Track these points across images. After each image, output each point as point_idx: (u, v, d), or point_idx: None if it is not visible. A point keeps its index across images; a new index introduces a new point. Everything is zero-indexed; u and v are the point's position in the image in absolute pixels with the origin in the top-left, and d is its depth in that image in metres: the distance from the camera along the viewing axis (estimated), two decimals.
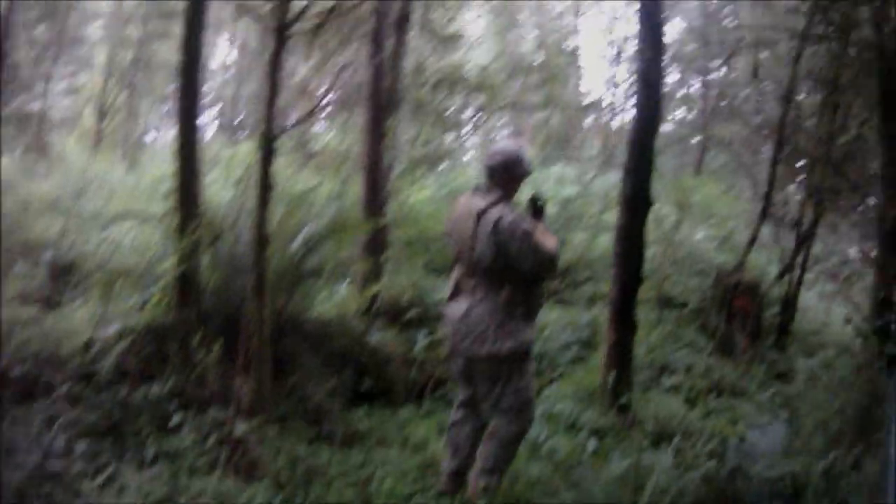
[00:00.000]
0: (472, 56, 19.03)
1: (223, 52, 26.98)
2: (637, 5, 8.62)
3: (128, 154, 20.23)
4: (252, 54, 23.12)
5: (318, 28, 7.46)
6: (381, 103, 11.00)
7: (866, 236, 14.34)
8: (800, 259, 12.29)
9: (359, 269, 10.35)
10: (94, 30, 22.53)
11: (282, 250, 7.45)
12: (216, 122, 25.40)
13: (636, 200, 7.99)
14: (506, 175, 5.27)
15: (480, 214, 5.09)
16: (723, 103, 18.85)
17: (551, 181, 17.23)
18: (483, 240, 5.03)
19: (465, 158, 21.78)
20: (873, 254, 9.03)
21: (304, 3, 6.89)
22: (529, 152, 5.77)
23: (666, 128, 25.16)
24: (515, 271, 5.06)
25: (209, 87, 23.61)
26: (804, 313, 12.70)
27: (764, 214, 13.68)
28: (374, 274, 10.34)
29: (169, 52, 18.74)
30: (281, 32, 6.53)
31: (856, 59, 7.95)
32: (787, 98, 12.62)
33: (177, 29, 8.90)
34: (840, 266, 14.89)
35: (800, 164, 12.78)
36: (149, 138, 26.20)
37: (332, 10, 7.28)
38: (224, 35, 25.18)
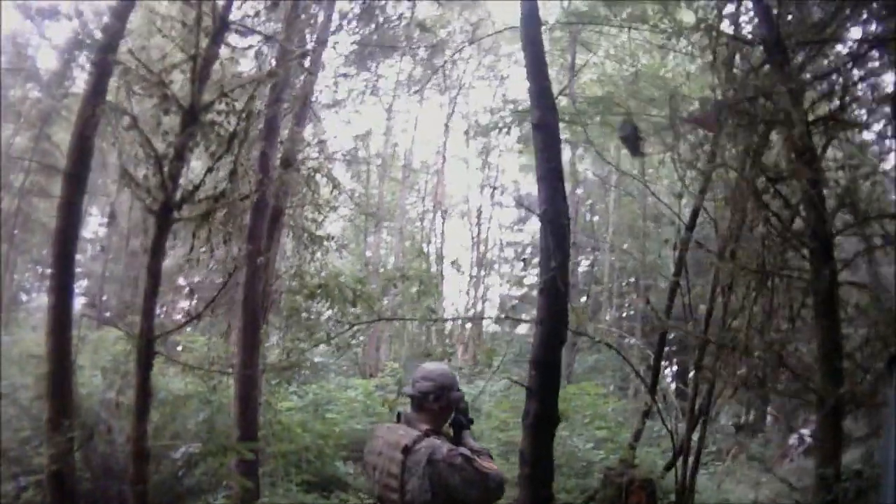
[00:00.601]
0: (332, 259, 18.87)
1: (95, 223, 25.75)
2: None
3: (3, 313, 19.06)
4: (125, 231, 21.97)
5: (205, 216, 6.97)
6: (256, 307, 10.55)
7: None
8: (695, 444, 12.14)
9: (235, 488, 9.67)
10: None
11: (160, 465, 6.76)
12: (82, 299, 24.03)
13: (542, 420, 7.57)
14: (437, 403, 4.58)
15: (408, 450, 4.33)
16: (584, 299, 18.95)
17: None
18: (416, 479, 4.26)
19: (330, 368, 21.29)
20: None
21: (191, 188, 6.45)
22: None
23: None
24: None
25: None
26: (700, 495, 12.25)
27: (647, 410, 13.69)
28: (250, 493, 9.61)
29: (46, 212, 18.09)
30: (165, 215, 6.00)
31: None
32: (673, 289, 12.85)
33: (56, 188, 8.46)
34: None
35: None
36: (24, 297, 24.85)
37: (220, 195, 6.83)
38: (99, 203, 23.85)
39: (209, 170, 7.47)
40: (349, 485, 12.57)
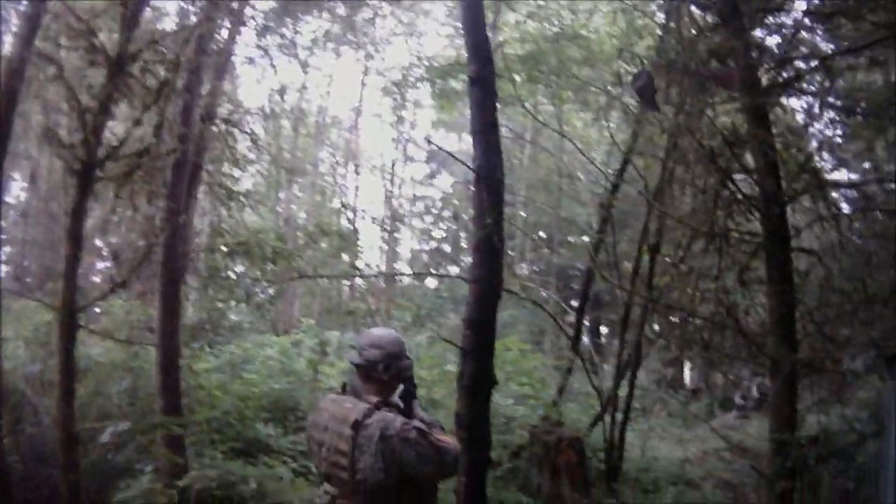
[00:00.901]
0: (248, 216, 18.05)
1: (17, 187, 24.37)
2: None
3: None
4: (47, 194, 20.74)
5: (127, 175, 6.49)
6: (176, 270, 10.04)
7: None
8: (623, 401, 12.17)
9: (163, 461, 9.26)
10: None
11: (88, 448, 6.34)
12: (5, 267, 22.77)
13: (478, 381, 7.32)
14: (386, 373, 4.19)
15: (358, 425, 3.99)
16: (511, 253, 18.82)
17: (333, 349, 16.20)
18: (368, 456, 3.92)
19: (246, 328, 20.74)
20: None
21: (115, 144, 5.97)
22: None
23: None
24: (411, 481, 4.03)
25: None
26: (630, 452, 12.39)
27: (570, 366, 13.66)
28: (178, 467, 9.24)
29: None
30: (87, 174, 5.51)
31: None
32: (596, 246, 12.77)
33: None
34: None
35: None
36: None
37: (143, 152, 6.36)
38: (21, 169, 22.49)
39: (136, 122, 7.01)
40: (272, 448, 12.20)
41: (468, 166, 7.85)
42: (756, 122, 7.05)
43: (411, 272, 28.60)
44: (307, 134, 31.68)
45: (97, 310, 12.57)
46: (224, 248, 11.63)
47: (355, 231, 26.83)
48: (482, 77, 7.86)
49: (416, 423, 4.01)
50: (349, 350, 16.70)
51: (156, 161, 7.34)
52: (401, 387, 4.30)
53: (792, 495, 6.82)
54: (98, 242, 15.25)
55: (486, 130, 7.73)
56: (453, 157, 10.43)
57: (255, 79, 21.90)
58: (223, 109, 12.90)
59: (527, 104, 14.01)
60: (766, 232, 7.34)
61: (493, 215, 7.40)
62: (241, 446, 11.68)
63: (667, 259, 10.69)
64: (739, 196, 7.63)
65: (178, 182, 9.78)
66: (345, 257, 15.25)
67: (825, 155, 7.93)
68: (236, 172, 13.49)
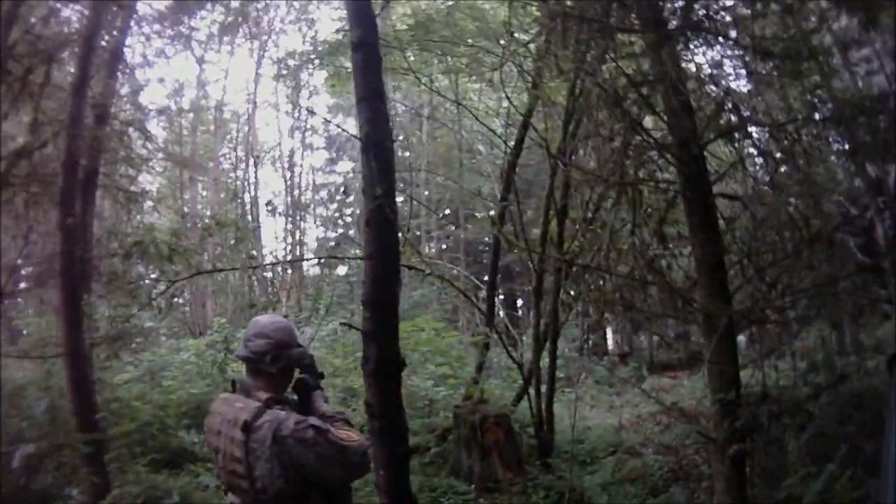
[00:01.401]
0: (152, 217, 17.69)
1: None
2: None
3: None
4: None
5: (4, 175, 5.77)
6: (75, 278, 9.54)
7: None
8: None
9: (84, 481, 9.03)
10: None
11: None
12: None
13: (384, 365, 6.74)
14: (275, 364, 3.66)
15: (248, 427, 3.43)
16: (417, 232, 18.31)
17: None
18: (262, 461, 3.38)
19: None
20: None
21: None
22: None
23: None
24: (317, 485, 3.47)
25: None
26: (560, 424, 11.78)
27: (487, 341, 13.16)
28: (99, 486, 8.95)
29: None
30: None
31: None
32: (501, 215, 12.26)
33: None
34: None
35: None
36: None
37: (21, 150, 5.65)
38: None
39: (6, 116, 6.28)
40: (197, 455, 11.62)
41: (354, 136, 7.22)
42: (662, 61, 6.50)
43: (311, 258, 27.82)
44: (206, 130, 31.23)
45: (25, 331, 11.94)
46: (119, 251, 10.95)
47: (257, 224, 26.14)
48: (365, 42, 7.30)
49: (313, 419, 3.48)
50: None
51: (34, 162, 6.61)
52: (296, 378, 3.90)
53: (745, 458, 6.30)
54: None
55: (371, 97, 7.15)
56: (343, 129, 9.74)
57: (155, 79, 20.98)
58: (121, 108, 12.58)
59: (421, 77, 13.40)
60: (683, 178, 6.77)
61: (383, 185, 6.79)
62: (166, 457, 11.29)
63: (575, 221, 10.18)
64: (651, 142, 7.03)
65: (69, 186, 9.27)
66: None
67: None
68: (134, 172, 12.80)
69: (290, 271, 25.27)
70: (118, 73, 12.33)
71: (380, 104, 7.23)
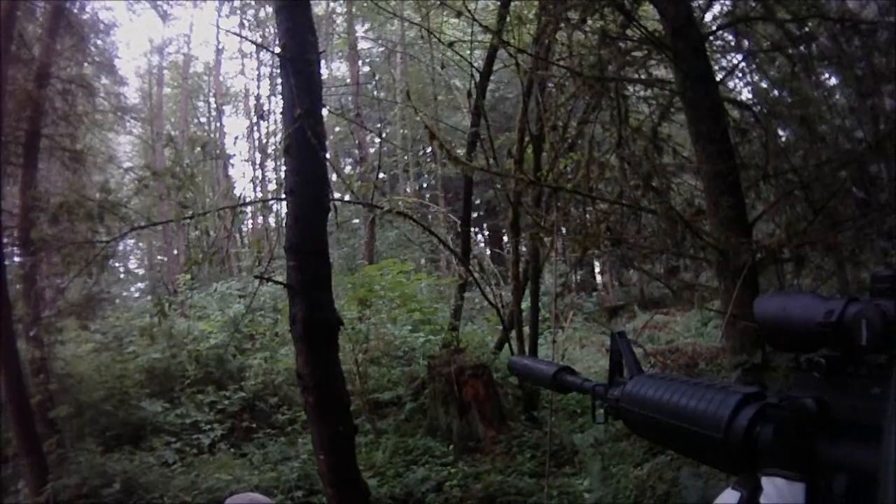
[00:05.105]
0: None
1: None
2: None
3: None
4: None
5: None
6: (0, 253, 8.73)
7: None
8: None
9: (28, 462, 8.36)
10: None
11: None
12: None
13: (314, 326, 5.15)
14: None
15: None
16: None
17: (214, 302, 15.22)
18: None
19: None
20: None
21: None
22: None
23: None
24: None
25: None
26: None
27: (463, 282, 11.60)
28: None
29: None
30: None
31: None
32: (472, 142, 10.63)
33: None
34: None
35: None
36: None
37: None
38: None
39: None
40: (161, 426, 10.71)
41: (269, 49, 5.57)
42: None
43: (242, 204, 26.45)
44: (176, 86, 30.50)
45: None
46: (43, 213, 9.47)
47: (228, 174, 24.57)
48: None
49: None
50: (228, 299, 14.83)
51: None
52: None
53: None
54: None
55: (290, 3, 5.53)
56: (254, 42, 7.98)
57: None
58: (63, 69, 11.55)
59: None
60: (682, 76, 5.00)
61: (305, 104, 5.07)
62: (128, 431, 10.41)
63: (553, 146, 8.44)
64: (639, 34, 5.24)
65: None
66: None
67: None
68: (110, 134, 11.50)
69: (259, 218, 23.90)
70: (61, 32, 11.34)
71: (301, 12, 5.56)
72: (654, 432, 1.15)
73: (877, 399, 0.78)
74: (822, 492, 0.81)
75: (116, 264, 22.72)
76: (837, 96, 6.99)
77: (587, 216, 6.27)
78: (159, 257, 29.74)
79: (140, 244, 29.57)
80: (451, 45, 9.69)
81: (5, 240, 9.37)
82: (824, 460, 0.83)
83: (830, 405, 0.83)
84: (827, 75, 6.63)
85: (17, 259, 10.14)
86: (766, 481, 0.87)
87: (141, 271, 31.13)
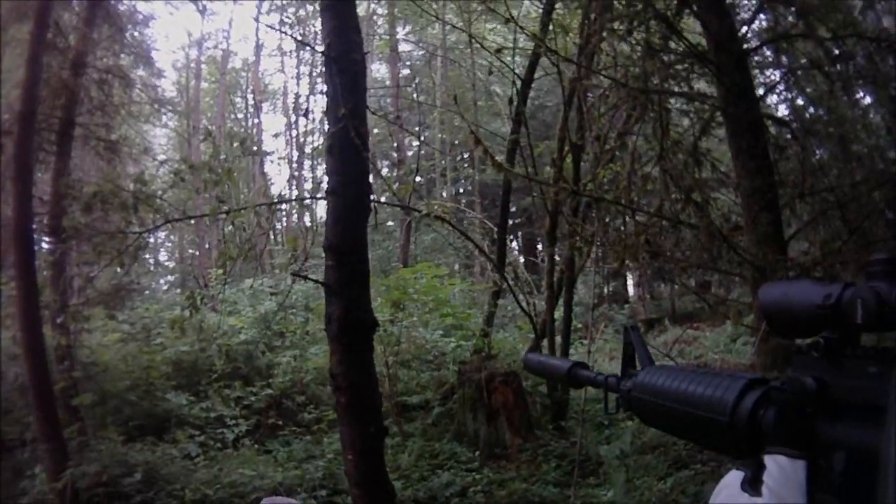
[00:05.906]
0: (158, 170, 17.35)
1: None
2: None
3: None
4: None
5: None
6: (29, 239, 8.85)
7: None
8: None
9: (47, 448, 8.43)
10: None
11: None
12: None
13: (350, 327, 5.28)
14: None
15: None
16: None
17: (245, 298, 15.15)
18: None
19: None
20: None
21: None
22: None
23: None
24: None
25: None
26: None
27: (498, 289, 11.65)
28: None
29: None
30: None
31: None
32: (511, 150, 10.67)
33: None
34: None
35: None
36: None
37: None
38: None
39: None
40: (186, 419, 10.82)
41: (312, 48, 5.67)
42: None
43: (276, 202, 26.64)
44: (214, 80, 30.84)
45: None
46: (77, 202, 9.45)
47: (264, 171, 24.65)
48: None
49: None
50: (260, 296, 14.90)
51: None
52: None
53: None
54: None
55: (336, 2, 5.66)
56: (298, 40, 8.07)
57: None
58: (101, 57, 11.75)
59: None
60: (724, 91, 5.03)
61: (349, 104, 5.16)
62: (152, 423, 10.52)
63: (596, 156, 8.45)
64: (682, 47, 5.29)
65: (24, 143, 8.61)
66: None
67: None
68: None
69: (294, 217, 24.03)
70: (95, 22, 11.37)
71: (347, 10, 5.68)
72: (664, 420, 1.22)
73: (874, 379, 0.85)
74: (821, 469, 0.89)
75: (147, 256, 22.87)
76: (872, 115, 7.02)
77: (626, 228, 6.31)
78: (190, 251, 29.95)
79: (171, 237, 29.78)
80: (498, 51, 9.74)
81: (34, 226, 9.50)
82: (824, 439, 0.90)
83: (829, 385, 0.90)
84: (862, 94, 6.64)
85: (45, 246, 10.33)
86: (768, 459, 0.95)
87: (171, 264, 31.29)
